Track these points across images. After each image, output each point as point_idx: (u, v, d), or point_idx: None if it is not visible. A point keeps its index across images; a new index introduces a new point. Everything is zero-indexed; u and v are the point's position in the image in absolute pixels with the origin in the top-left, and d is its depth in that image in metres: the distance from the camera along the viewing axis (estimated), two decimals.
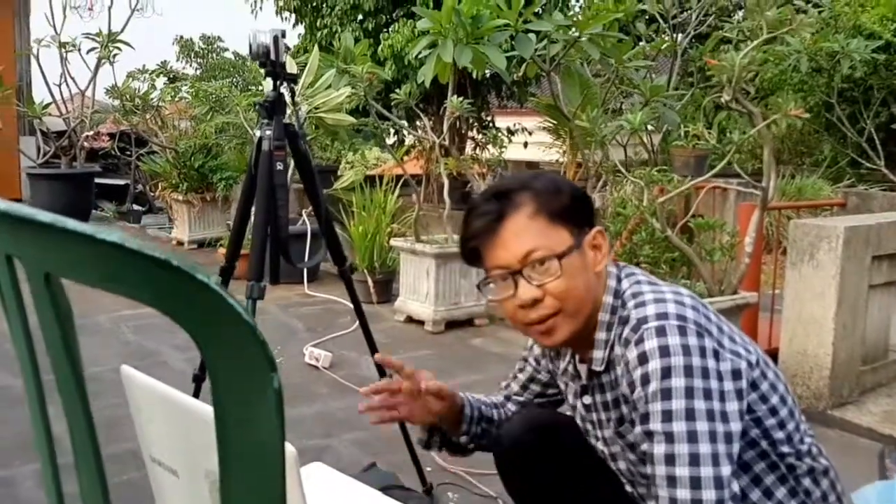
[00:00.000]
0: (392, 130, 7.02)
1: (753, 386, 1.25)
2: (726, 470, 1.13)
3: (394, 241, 4.55)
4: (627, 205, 3.55)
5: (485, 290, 1.33)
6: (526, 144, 7.82)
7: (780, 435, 1.29)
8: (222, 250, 5.40)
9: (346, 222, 4.90)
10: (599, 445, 1.42)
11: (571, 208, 1.28)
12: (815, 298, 2.97)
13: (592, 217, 1.34)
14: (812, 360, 3.01)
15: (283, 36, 1.88)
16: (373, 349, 2.15)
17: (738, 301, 3.04)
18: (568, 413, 1.54)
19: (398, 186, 5.16)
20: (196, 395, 2.12)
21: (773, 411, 1.28)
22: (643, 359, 1.18)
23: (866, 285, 3.04)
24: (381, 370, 2.16)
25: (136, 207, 8.01)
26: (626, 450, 1.34)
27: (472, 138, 7.59)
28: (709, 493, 1.11)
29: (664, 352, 1.16)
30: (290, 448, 0.76)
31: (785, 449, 1.29)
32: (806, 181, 6.71)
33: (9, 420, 2.79)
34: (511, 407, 1.64)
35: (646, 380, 1.17)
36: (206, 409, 0.83)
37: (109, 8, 7.59)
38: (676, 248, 3.11)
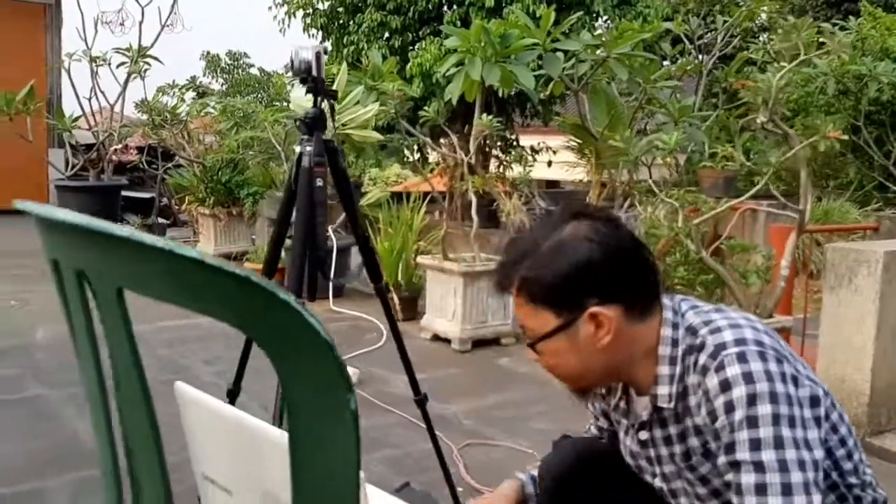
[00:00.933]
0: (415, 147, 7.04)
1: (826, 416, 1.23)
2: (817, 499, 1.10)
3: (421, 259, 4.53)
4: (659, 225, 3.51)
5: None
6: (550, 163, 7.80)
7: (848, 466, 1.27)
8: (249, 264, 5.41)
9: (373, 238, 4.89)
10: (657, 482, 1.36)
11: (558, 289, 1.20)
12: (854, 324, 2.91)
13: (603, 286, 1.20)
14: (850, 386, 2.95)
15: (326, 52, 1.88)
16: (408, 369, 2.13)
17: (774, 325, 2.99)
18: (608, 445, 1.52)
19: (425, 203, 5.15)
20: None
21: (843, 441, 1.26)
22: (726, 385, 1.14)
23: None
24: (416, 387, 2.14)
25: (160, 220, 8.06)
26: (694, 484, 1.29)
27: (497, 157, 7.58)
28: None
29: (748, 378, 1.13)
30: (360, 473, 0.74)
31: (853, 480, 1.27)
32: (833, 204, 6.62)
33: (44, 432, 2.79)
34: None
35: (730, 407, 1.14)
36: (270, 430, 0.81)
37: (140, 23, 7.70)
38: (711, 270, 3.07)
